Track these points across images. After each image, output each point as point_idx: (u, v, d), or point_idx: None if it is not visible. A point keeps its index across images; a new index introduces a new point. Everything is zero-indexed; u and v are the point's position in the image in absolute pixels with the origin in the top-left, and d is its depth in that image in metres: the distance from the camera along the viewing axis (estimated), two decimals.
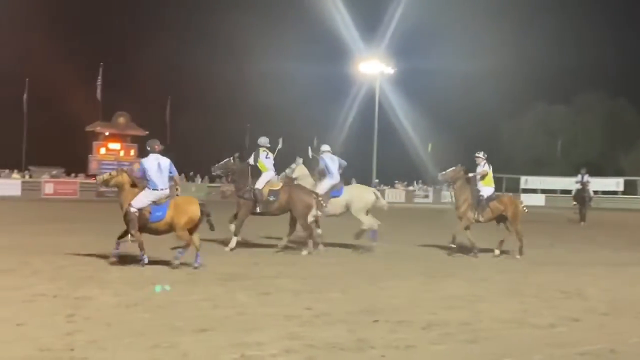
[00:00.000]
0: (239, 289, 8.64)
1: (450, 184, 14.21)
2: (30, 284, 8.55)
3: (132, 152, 47.36)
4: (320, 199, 13.26)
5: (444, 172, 14.17)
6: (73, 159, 46.41)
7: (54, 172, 43.87)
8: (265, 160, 13.48)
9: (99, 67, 46.87)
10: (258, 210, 13.14)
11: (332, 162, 14.22)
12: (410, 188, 54.81)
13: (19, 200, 34.60)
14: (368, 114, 53.65)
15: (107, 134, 46.38)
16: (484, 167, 13.79)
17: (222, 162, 13.93)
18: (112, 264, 10.44)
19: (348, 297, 8.41)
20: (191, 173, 48.91)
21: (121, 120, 46.81)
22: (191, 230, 10.62)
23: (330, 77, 54.26)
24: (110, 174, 11.23)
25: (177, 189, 11.25)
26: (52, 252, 11.96)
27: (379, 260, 12.55)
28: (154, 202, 10.59)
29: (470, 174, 13.87)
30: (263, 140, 13.90)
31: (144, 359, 5.28)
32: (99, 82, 46.86)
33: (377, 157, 52.12)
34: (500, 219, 13.71)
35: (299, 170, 14.42)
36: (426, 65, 54.38)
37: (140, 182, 10.85)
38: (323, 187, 13.86)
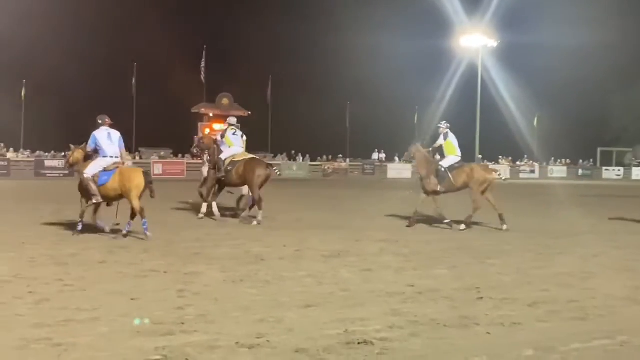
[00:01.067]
0: (342, 266, 8.69)
1: (411, 161, 15.32)
2: (142, 260, 8.91)
3: None
4: (275, 170, 15.54)
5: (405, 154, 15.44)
6: (180, 140, 47.89)
7: (162, 153, 45.48)
8: (232, 137, 15.32)
9: (202, 50, 48.03)
10: (219, 176, 14.93)
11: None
12: (518, 163, 53.48)
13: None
14: (468, 88, 52.46)
15: (211, 115, 47.53)
16: (445, 139, 14.16)
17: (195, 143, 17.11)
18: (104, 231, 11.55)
19: (454, 274, 8.29)
20: (293, 152, 49.43)
21: (225, 101, 47.86)
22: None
23: (430, 51, 53.24)
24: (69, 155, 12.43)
25: (122, 163, 12.09)
26: (162, 229, 12.41)
27: (485, 236, 12.30)
28: (104, 169, 11.48)
29: (430, 148, 14.64)
30: (232, 120, 16.34)
31: (250, 332, 5.39)
32: (203, 64, 48.04)
33: (479, 132, 51.02)
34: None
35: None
36: (530, 39, 52.42)
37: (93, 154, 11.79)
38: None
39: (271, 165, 15.70)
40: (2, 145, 41.44)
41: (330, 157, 48.83)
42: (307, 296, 6.81)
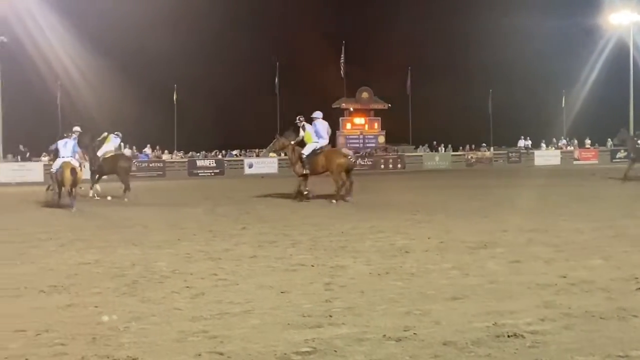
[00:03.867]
0: (489, 257, 8.49)
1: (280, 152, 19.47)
2: (291, 254, 9.14)
3: (376, 126, 48.51)
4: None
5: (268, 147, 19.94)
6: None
7: None
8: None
9: (341, 45, 48.53)
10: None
11: None
12: None
13: (277, 177, 37.20)
14: (617, 67, 49.32)
15: (351, 109, 47.99)
16: (303, 131, 18.29)
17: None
18: None
19: (611, 264, 7.86)
20: (434, 142, 48.87)
21: (365, 95, 48.16)
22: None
23: (576, 30, 50.62)
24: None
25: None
26: (308, 223, 12.70)
27: None
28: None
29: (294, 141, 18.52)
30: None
31: (397, 325, 5.39)
32: (342, 59, 48.53)
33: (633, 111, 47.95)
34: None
35: None
36: None
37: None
38: None
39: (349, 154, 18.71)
40: (158, 147, 44.05)
41: (473, 146, 47.80)
42: (454, 288, 6.71)
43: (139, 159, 39.72)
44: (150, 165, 39.54)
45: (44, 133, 19.72)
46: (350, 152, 19.59)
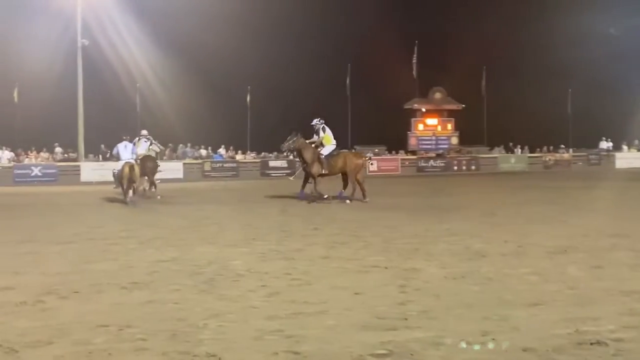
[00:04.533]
0: (569, 263, 8.25)
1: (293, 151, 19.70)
2: (363, 255, 9.12)
3: (449, 127, 47.91)
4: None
5: (287, 143, 18.95)
6: (393, 136, 48.41)
7: (377, 150, 46.30)
8: (330, 133, 19.01)
9: (414, 46, 48.17)
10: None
11: None
12: None
13: None
14: None
15: (424, 110, 47.52)
16: (323, 133, 18.78)
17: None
18: None
19: None
20: (510, 144, 47.89)
21: (437, 95, 47.63)
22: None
23: None
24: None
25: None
26: (381, 225, 12.66)
27: None
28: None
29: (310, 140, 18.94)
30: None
31: (474, 330, 5.30)
32: (415, 59, 48.14)
33: None
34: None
35: None
36: None
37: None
38: None
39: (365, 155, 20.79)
40: (232, 148, 44.74)
41: (551, 147, 46.60)
42: (533, 294, 6.55)
43: (214, 159, 40.45)
44: (224, 165, 40.13)
45: (123, 134, 20.35)
46: (370, 154, 21.99)
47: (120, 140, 19.55)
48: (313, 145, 18.95)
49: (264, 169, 40.16)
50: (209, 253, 9.47)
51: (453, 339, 5.08)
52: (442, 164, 42.75)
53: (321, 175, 18.80)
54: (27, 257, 9.41)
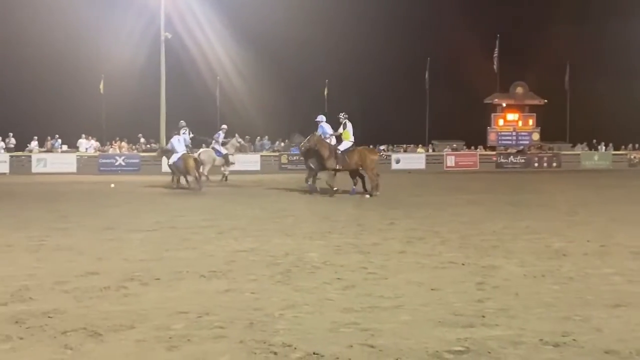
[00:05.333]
0: None
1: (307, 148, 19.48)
2: (440, 251, 9.03)
3: (531, 122, 46.83)
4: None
5: (304, 142, 19.67)
6: (472, 131, 47.71)
7: (455, 145, 45.71)
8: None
9: (495, 39, 47.27)
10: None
11: None
12: None
13: (424, 173, 36.95)
14: None
15: (504, 105, 46.62)
16: (343, 128, 19.29)
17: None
18: None
19: None
20: (594, 140, 46.43)
21: (519, 90, 46.65)
22: None
23: None
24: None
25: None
26: (458, 221, 12.49)
27: None
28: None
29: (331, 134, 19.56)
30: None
31: (555, 330, 5.17)
32: (496, 53, 47.24)
33: None
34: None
35: None
36: None
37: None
38: None
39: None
40: None
41: (637, 145, 44.91)
42: (616, 295, 6.34)
43: (291, 152, 40.77)
44: (301, 158, 40.40)
45: (203, 125, 21.15)
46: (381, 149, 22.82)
47: (172, 135, 22.35)
48: (331, 137, 19.56)
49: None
50: (286, 245, 9.57)
51: (532, 338, 4.97)
52: (522, 161, 41.82)
53: (336, 170, 19.18)
54: (111, 243, 9.74)
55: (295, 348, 4.75)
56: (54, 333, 5.11)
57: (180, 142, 21.93)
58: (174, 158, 21.77)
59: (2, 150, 37.76)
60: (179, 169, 21.95)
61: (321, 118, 20.14)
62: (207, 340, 4.93)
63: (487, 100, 47.01)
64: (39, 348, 4.76)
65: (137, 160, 37.72)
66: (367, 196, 18.47)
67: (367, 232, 11.04)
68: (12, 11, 46.67)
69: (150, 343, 4.87)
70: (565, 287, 6.73)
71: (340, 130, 19.50)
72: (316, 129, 19.79)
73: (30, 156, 37.28)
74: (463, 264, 8.05)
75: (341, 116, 19.68)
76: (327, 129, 19.88)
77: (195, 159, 21.54)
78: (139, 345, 4.82)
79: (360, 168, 19.15)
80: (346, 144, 19.18)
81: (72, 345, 4.81)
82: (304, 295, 6.36)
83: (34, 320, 5.45)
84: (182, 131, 23.08)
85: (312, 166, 19.75)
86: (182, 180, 22.43)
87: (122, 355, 4.62)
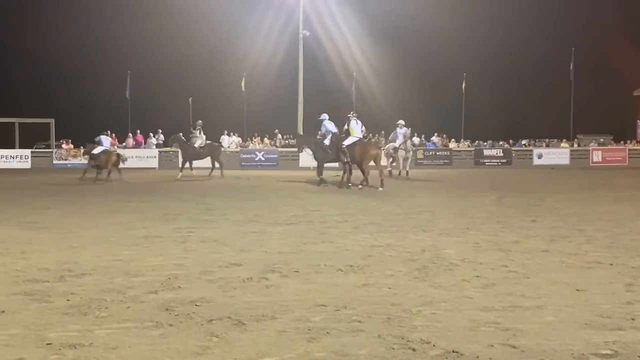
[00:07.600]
0: None
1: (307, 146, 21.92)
2: (586, 251, 8.62)
3: None
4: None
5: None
6: (621, 125, 45.24)
7: (602, 140, 43.49)
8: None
9: None
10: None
11: None
12: None
13: (568, 169, 35.43)
14: None
15: None
16: (347, 125, 20.69)
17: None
18: None
19: None
20: None
21: None
22: None
23: None
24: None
25: None
26: (605, 219, 11.89)
27: None
28: None
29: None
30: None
31: None
32: None
33: None
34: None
35: None
36: None
37: None
38: None
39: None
40: (445, 136, 44.40)
41: None
42: None
43: (426, 147, 40.40)
44: (437, 153, 39.94)
45: (336, 122, 21.60)
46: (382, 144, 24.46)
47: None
48: (330, 134, 21.16)
49: (478, 158, 39.39)
50: (422, 241, 9.49)
51: None
52: None
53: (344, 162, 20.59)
54: (252, 235, 10.07)
55: (433, 345, 4.71)
56: (200, 321, 5.35)
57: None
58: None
59: (153, 147, 39.95)
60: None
61: (324, 116, 21.66)
62: (345, 334, 4.99)
63: (636, 93, 44.31)
64: (187, 335, 5.00)
65: (275, 156, 38.75)
66: (380, 189, 19.08)
67: (507, 229, 10.74)
68: (171, 15, 49.35)
69: (290, 334, 4.99)
70: None
71: (345, 127, 21.07)
72: (319, 127, 21.62)
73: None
74: (611, 264, 7.66)
75: (351, 114, 21.24)
76: (330, 126, 21.37)
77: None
78: (280, 336, 4.95)
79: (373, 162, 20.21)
80: (350, 139, 20.32)
81: (218, 333, 5.01)
82: (441, 292, 6.28)
83: (182, 308, 5.74)
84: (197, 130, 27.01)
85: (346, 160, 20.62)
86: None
87: (264, 344, 4.76)
